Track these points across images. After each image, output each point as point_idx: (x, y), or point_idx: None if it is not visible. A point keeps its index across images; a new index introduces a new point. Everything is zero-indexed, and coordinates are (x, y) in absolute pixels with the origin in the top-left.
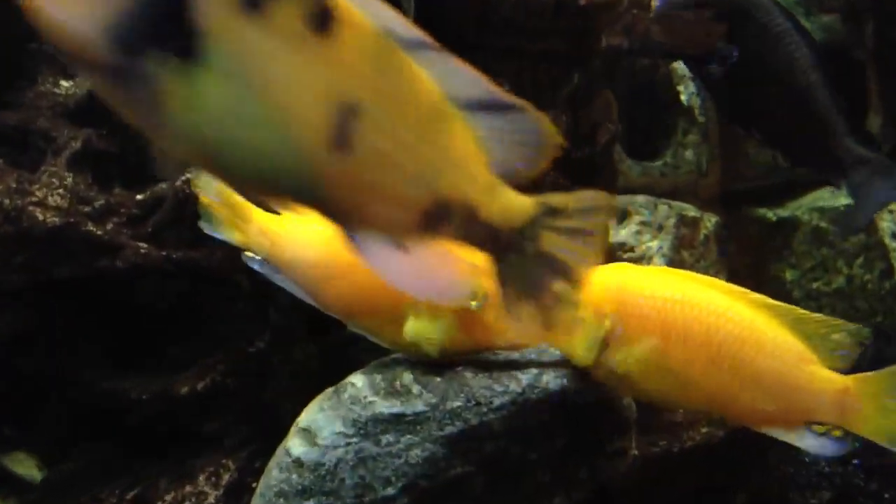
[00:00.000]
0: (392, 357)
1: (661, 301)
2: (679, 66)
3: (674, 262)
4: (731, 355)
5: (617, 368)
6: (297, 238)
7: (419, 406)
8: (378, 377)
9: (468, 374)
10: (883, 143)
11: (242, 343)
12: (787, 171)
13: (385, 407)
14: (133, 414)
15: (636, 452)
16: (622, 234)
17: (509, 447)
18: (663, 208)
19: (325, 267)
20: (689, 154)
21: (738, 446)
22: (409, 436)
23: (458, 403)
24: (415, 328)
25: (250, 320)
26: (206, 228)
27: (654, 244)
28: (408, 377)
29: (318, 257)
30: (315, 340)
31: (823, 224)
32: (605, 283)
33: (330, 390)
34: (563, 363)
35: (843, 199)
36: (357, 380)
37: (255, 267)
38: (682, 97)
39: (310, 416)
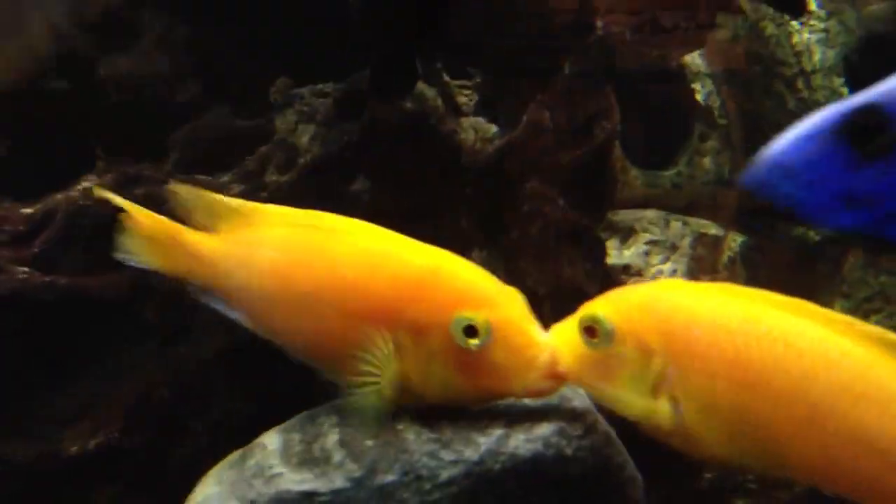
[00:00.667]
0: (331, 405)
1: (730, 332)
2: (693, 61)
3: None
4: (831, 407)
5: (668, 422)
6: (245, 260)
7: (338, 481)
8: (297, 436)
9: (410, 436)
10: None
11: (145, 390)
12: None
13: (294, 482)
14: (6, 480)
15: None
16: (626, 255)
17: None
18: (676, 225)
19: (281, 294)
20: (707, 162)
21: None
22: None
23: (392, 478)
24: (396, 374)
25: (156, 362)
26: (120, 254)
27: (667, 267)
28: (333, 437)
29: (272, 283)
30: (245, 386)
31: None
32: (650, 307)
33: (237, 454)
34: (545, 415)
35: None
36: (271, 440)
37: (201, 299)
38: (699, 96)
39: (204, 490)
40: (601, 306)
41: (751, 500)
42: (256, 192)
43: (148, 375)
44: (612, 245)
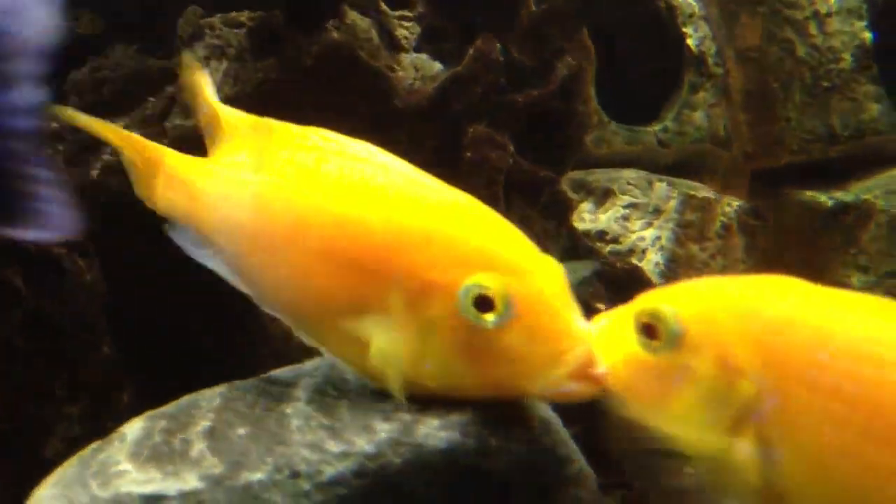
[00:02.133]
0: (239, 385)
1: (874, 363)
2: (686, 1)
3: (677, 257)
4: None
5: (751, 470)
6: (229, 190)
7: (191, 481)
8: (163, 424)
9: (295, 422)
10: None
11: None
12: (850, 140)
13: (137, 483)
14: None
15: None
16: (602, 219)
17: None
18: (661, 186)
19: (261, 232)
20: (699, 116)
21: None
22: None
23: (260, 476)
24: (385, 348)
25: (27, 340)
26: None
27: (649, 233)
28: (203, 424)
29: (253, 217)
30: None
31: None
32: (746, 309)
33: (94, 445)
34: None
35: None
36: (132, 429)
37: (176, 239)
38: (691, 41)
39: (40, 490)
40: (669, 299)
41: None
42: (157, 139)
43: (17, 358)
44: (585, 208)
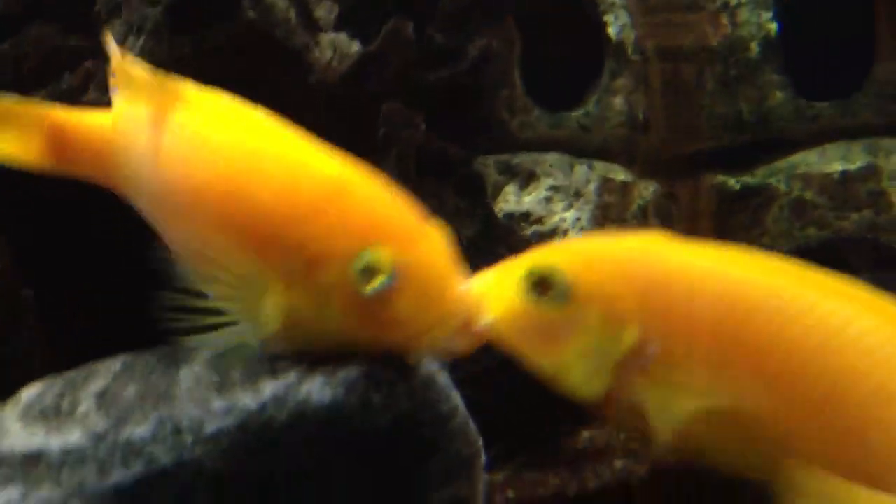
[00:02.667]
0: (144, 352)
1: (751, 310)
2: None
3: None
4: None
5: (649, 412)
6: (137, 144)
7: (74, 437)
8: (59, 386)
9: (185, 382)
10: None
11: None
12: (756, 127)
13: (21, 439)
14: None
15: (510, 498)
16: (526, 201)
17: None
18: (581, 170)
19: (164, 191)
20: (618, 102)
21: (666, 489)
22: (45, 490)
23: (142, 431)
24: (281, 309)
25: None
26: None
27: (570, 215)
28: (96, 386)
29: (157, 175)
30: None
31: (808, 195)
32: (631, 264)
33: None
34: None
35: (836, 164)
36: (28, 391)
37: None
38: (611, 30)
39: None
40: (556, 255)
41: (632, 461)
42: None
43: None
44: (510, 190)
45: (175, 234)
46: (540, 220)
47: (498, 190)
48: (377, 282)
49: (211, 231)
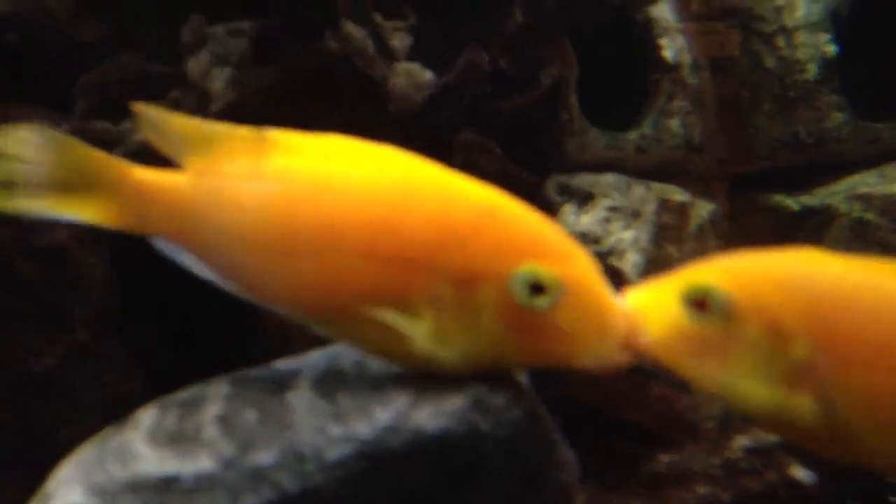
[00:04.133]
0: (245, 374)
1: (888, 307)
2: (661, 14)
3: (654, 258)
4: None
5: (811, 418)
6: (227, 198)
7: (204, 462)
8: (175, 410)
9: (300, 408)
10: None
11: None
12: (812, 149)
13: (154, 465)
14: None
15: None
16: (584, 221)
17: None
18: (639, 190)
19: (280, 238)
20: (674, 124)
21: None
22: None
23: (268, 457)
24: (431, 333)
25: (37, 325)
26: (25, 207)
27: (628, 235)
28: (213, 410)
29: (267, 224)
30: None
31: (869, 216)
32: (788, 281)
33: (110, 428)
34: (460, 383)
35: (895, 186)
36: (146, 414)
37: (165, 251)
38: (667, 53)
39: (59, 471)
40: (713, 275)
41: (713, 487)
42: None
43: (27, 340)
44: (569, 210)
45: (291, 280)
46: (597, 241)
47: (556, 210)
48: (548, 296)
49: (351, 266)
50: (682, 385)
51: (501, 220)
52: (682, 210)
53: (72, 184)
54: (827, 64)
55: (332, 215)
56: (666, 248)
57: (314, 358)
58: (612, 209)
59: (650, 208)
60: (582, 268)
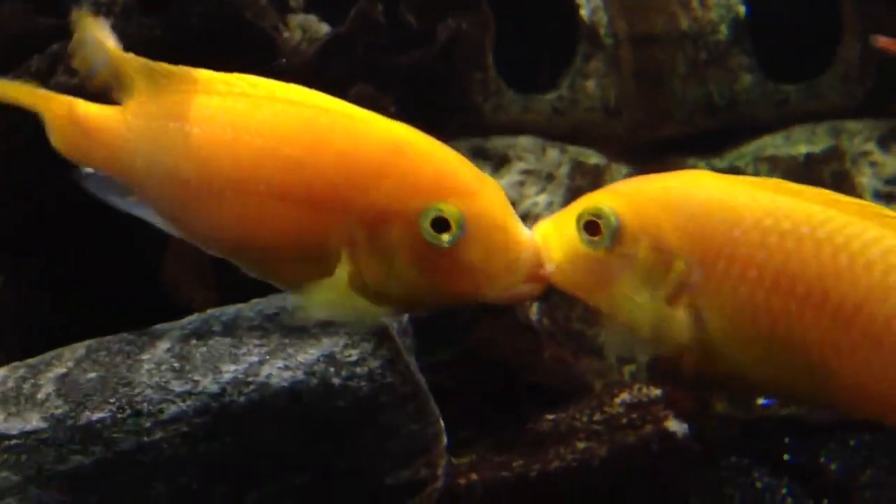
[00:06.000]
0: (109, 338)
1: (779, 233)
2: None
3: None
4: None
5: (687, 333)
6: (157, 136)
7: (33, 421)
8: (22, 371)
9: (146, 367)
10: (862, 78)
11: None
12: (725, 112)
13: None
14: None
15: (474, 480)
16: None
17: (194, 485)
18: (553, 153)
19: (202, 177)
20: (591, 86)
21: (627, 468)
22: (3, 474)
23: (101, 415)
24: (348, 275)
25: None
26: None
27: (542, 199)
28: (57, 371)
29: (190, 163)
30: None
31: (776, 178)
32: (672, 201)
33: None
34: (317, 337)
35: (802, 147)
36: None
37: (94, 189)
38: (583, 12)
39: None
40: (606, 199)
41: (593, 442)
42: None
43: None
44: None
45: (215, 222)
46: (512, 204)
47: None
48: (451, 233)
49: (268, 207)
50: (578, 348)
51: (409, 159)
52: (596, 173)
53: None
54: (738, 25)
55: (245, 155)
56: None
57: (191, 320)
58: (527, 172)
59: (564, 171)
60: (489, 202)
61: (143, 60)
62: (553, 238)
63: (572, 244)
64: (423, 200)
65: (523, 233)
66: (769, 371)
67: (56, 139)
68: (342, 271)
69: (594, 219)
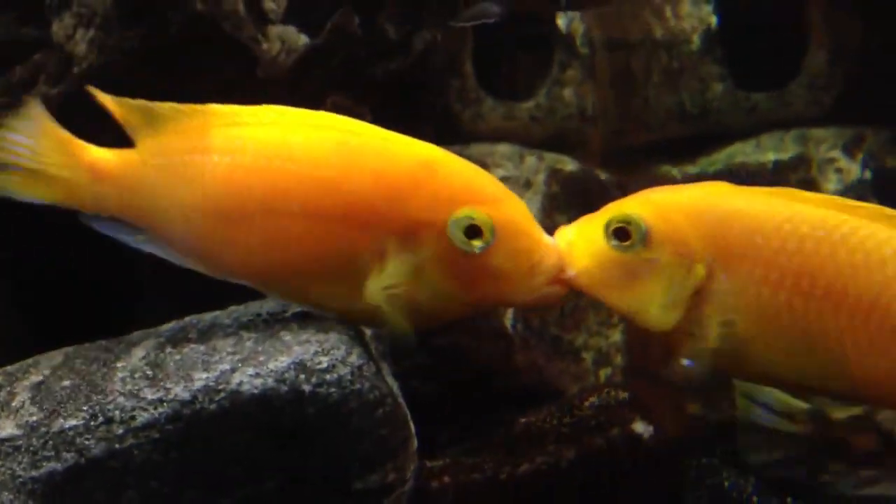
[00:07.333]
0: (86, 346)
1: (799, 238)
2: None
3: (545, 227)
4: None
5: (715, 336)
6: (176, 172)
7: (8, 428)
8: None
9: (120, 375)
10: (828, 86)
11: None
12: (697, 120)
13: None
14: None
15: (445, 482)
16: None
17: (165, 490)
18: (531, 160)
19: (231, 207)
20: (568, 94)
21: (595, 470)
22: None
23: (74, 422)
24: (380, 288)
25: None
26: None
27: None
28: (33, 379)
29: (217, 194)
30: None
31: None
32: (697, 209)
33: None
34: (289, 346)
35: (770, 154)
36: None
37: (102, 229)
38: (560, 22)
39: None
40: (635, 207)
41: (562, 445)
42: None
43: None
44: None
45: (239, 249)
46: None
47: None
48: (483, 239)
49: (302, 229)
50: (550, 352)
51: (438, 173)
52: (572, 179)
53: (44, 166)
54: (709, 34)
55: (278, 180)
56: (556, 218)
57: (169, 327)
58: (505, 179)
59: (541, 178)
60: (513, 210)
61: (142, 103)
62: (578, 244)
63: (599, 249)
64: (453, 209)
65: (546, 239)
66: (792, 367)
67: (51, 192)
68: (374, 284)
69: (624, 225)
